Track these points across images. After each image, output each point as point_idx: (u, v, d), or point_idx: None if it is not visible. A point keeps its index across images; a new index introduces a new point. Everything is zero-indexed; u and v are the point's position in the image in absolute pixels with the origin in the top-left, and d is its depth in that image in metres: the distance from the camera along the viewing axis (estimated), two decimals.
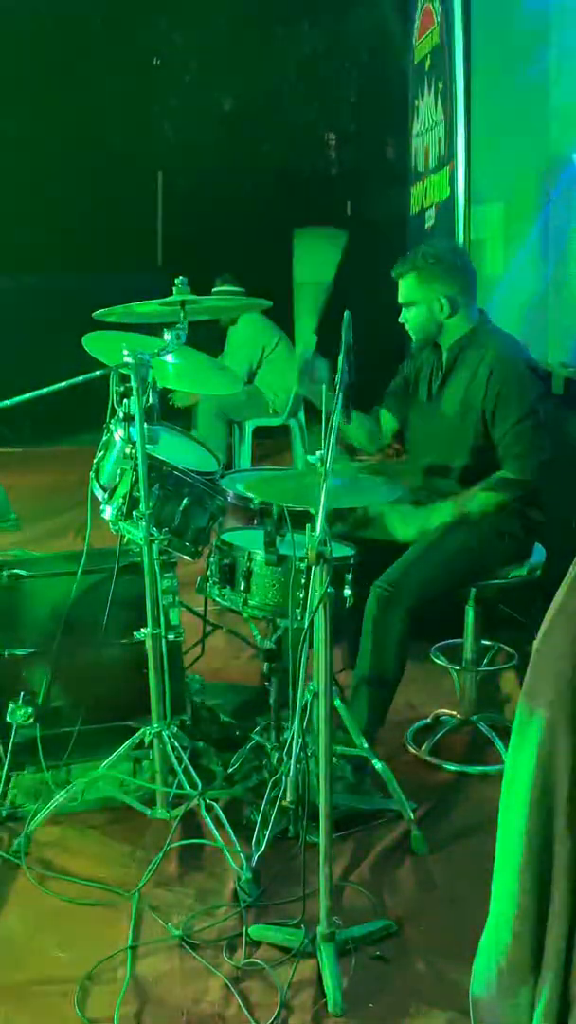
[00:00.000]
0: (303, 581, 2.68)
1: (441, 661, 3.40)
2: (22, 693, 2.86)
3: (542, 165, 4.27)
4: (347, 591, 2.81)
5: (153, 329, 2.77)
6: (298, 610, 2.69)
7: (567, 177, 3.95)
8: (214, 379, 3.29)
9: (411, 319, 3.22)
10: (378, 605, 2.94)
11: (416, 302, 3.17)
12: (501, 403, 3.07)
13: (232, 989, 2.21)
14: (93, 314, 2.72)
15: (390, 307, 3.26)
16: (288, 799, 2.23)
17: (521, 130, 4.54)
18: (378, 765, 2.76)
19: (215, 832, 2.64)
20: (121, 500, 2.75)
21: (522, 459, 3.06)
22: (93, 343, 2.82)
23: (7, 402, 2.68)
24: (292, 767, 2.15)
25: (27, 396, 2.70)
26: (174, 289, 2.68)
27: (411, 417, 3.38)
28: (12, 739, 2.85)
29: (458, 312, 3.15)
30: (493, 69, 4.98)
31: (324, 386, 2.48)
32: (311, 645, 2.26)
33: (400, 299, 3.22)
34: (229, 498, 3.00)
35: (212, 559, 2.90)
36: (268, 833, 2.61)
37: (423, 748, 3.23)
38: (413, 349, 3.42)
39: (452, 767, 3.15)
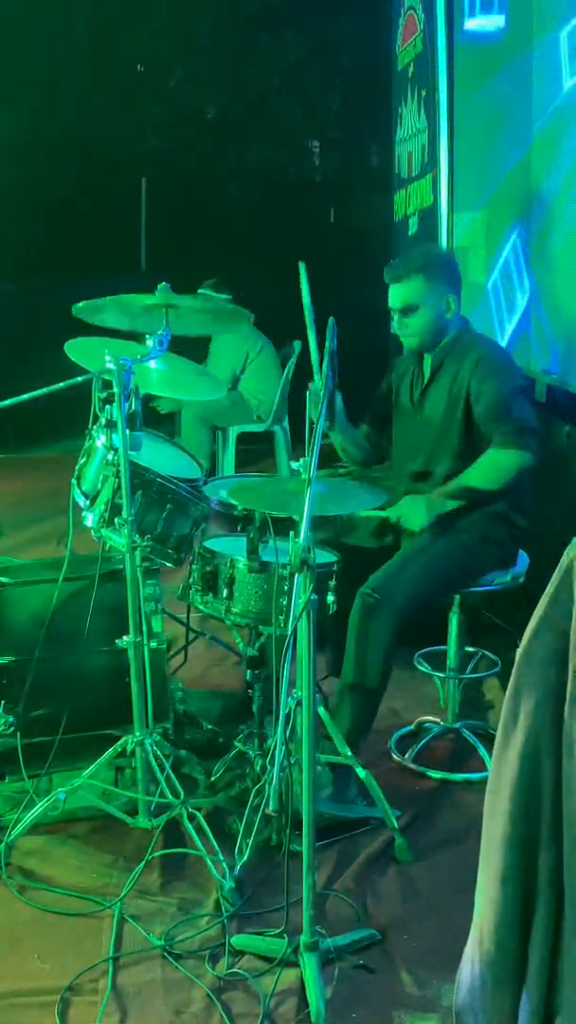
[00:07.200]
0: (286, 588, 2.67)
1: (425, 668, 3.40)
2: (3, 701, 2.84)
3: (525, 172, 4.28)
4: (330, 597, 2.80)
5: (136, 337, 2.77)
6: (281, 617, 2.68)
7: (549, 184, 3.97)
8: (198, 384, 3.28)
9: (414, 324, 3.09)
10: (363, 612, 2.91)
11: (421, 305, 3.06)
12: (486, 385, 3.02)
13: (214, 999, 2.20)
14: (73, 307, 2.69)
15: (374, 313, 3.22)
16: (271, 807, 2.22)
17: (504, 137, 4.56)
18: (361, 773, 2.75)
19: (198, 841, 2.62)
20: (103, 507, 2.74)
21: (508, 422, 2.97)
22: (75, 350, 2.81)
23: None
24: (275, 775, 2.14)
25: (9, 402, 2.69)
26: (156, 294, 2.67)
27: (394, 425, 3.36)
28: None
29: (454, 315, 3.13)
30: (475, 76, 5.00)
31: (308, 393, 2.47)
32: (294, 652, 2.25)
33: (398, 303, 3.08)
34: (212, 505, 2.99)
35: (195, 566, 2.88)
36: (251, 842, 2.60)
37: (407, 755, 3.22)
38: (399, 359, 3.39)
39: (436, 774, 3.14)
